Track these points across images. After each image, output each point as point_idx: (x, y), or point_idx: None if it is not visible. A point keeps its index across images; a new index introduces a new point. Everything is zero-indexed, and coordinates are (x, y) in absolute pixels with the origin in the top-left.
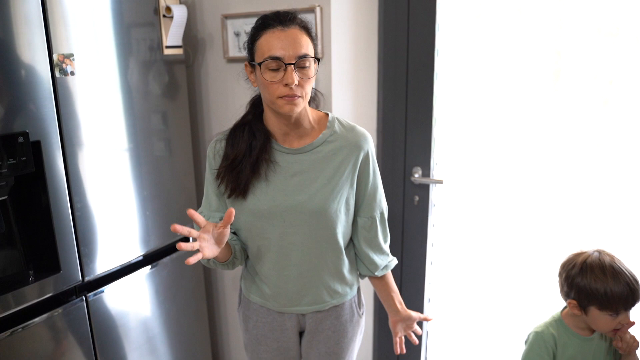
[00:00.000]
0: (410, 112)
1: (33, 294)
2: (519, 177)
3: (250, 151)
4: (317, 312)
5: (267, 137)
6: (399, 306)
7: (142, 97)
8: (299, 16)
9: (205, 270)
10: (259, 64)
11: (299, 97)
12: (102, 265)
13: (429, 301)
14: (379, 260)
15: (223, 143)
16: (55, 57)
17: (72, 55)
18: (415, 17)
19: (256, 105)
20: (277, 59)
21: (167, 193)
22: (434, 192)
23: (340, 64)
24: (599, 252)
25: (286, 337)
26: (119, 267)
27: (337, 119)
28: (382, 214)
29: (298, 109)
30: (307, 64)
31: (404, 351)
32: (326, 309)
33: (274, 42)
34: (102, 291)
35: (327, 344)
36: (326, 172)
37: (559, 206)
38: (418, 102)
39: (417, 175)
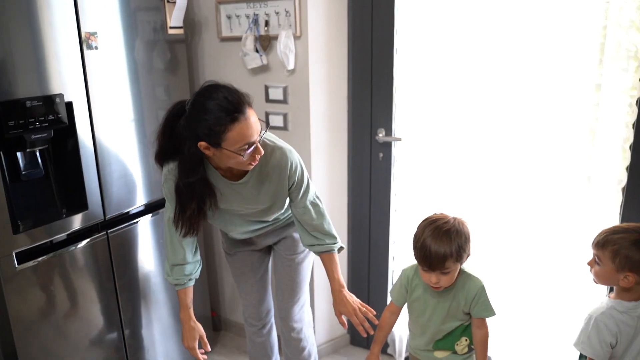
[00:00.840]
0: (375, 82)
1: (65, 227)
2: (465, 134)
3: (200, 200)
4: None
5: (211, 189)
6: (335, 294)
7: (148, 71)
8: (244, 94)
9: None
10: (231, 150)
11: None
12: (118, 207)
13: (394, 243)
14: (311, 239)
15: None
16: (82, 34)
17: (95, 33)
18: (379, 3)
19: (195, 170)
20: (251, 143)
21: None
22: (395, 149)
23: (315, 41)
24: None
25: (257, 247)
26: (132, 210)
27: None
28: (312, 202)
29: None
30: (262, 133)
31: (345, 327)
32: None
33: (245, 132)
34: (119, 229)
35: (286, 250)
36: (264, 189)
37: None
38: (381, 73)
39: (381, 135)
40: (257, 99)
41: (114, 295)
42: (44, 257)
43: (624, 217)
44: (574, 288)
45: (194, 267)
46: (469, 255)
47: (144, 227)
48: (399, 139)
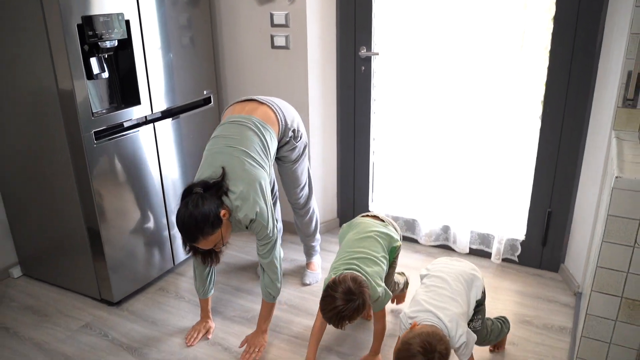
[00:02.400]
0: (357, 8)
1: (121, 117)
2: (431, 51)
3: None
4: None
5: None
6: (256, 331)
7: (173, 4)
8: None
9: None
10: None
11: None
12: (160, 105)
13: (373, 139)
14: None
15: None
16: None
17: None
18: None
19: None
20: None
21: (191, 69)
22: (375, 63)
23: None
24: None
25: None
26: (173, 108)
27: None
28: (269, 263)
29: None
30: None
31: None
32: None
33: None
34: (163, 123)
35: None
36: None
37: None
38: (363, 2)
39: (362, 51)
40: (263, 25)
41: (159, 172)
42: (111, 137)
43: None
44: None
45: (210, 286)
46: (368, 306)
47: (185, 122)
48: (377, 54)
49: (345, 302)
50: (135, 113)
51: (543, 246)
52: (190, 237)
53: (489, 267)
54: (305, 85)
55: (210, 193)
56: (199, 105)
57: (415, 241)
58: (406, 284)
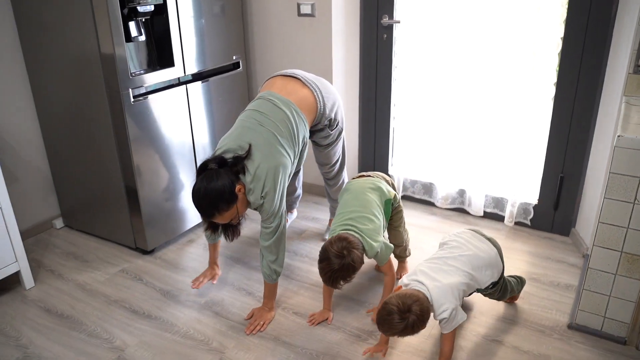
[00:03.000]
0: None
1: (157, 78)
2: (450, 20)
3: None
4: None
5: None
6: (262, 305)
7: None
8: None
9: (250, 85)
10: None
11: None
12: (192, 68)
13: (394, 105)
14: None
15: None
16: None
17: None
18: None
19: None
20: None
21: (222, 35)
22: (396, 31)
23: None
24: None
25: None
26: (203, 72)
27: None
28: (271, 231)
29: None
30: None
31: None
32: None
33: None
34: (194, 85)
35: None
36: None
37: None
38: None
39: (385, 19)
40: None
41: (190, 132)
42: (147, 96)
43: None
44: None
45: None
46: (358, 264)
47: (214, 86)
48: (399, 22)
49: (335, 263)
50: (169, 74)
51: (555, 210)
52: (205, 213)
53: (502, 229)
54: (329, 52)
55: (225, 169)
56: (228, 70)
57: (432, 204)
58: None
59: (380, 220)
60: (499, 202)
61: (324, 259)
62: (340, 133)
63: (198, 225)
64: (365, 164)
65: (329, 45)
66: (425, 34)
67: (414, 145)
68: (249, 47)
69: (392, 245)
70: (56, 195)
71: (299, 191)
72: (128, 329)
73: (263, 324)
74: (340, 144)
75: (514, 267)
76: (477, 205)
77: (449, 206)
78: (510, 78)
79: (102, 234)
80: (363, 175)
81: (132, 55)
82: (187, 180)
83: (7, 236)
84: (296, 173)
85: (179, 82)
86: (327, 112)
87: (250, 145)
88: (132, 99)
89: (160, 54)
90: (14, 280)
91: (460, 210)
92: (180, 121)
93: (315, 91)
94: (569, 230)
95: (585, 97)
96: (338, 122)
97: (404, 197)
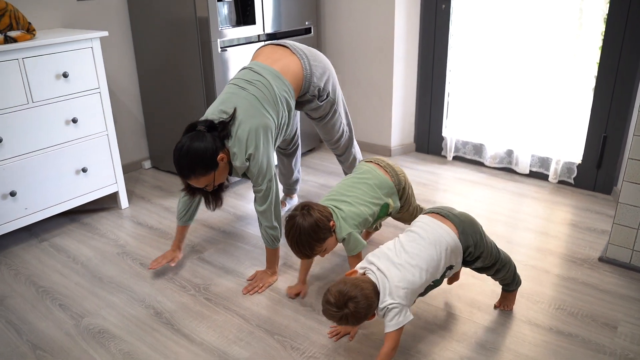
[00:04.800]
0: None
1: (240, 33)
2: None
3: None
4: None
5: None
6: (265, 270)
7: None
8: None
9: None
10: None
11: None
12: (270, 28)
13: (449, 71)
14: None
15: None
16: None
17: None
18: None
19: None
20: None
21: (297, 1)
22: (454, 1)
23: None
24: None
25: None
26: (274, 31)
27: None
28: (263, 194)
29: None
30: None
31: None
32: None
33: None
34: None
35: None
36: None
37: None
38: None
39: None
40: None
41: None
42: (231, 47)
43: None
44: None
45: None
46: (329, 230)
47: None
48: None
49: (297, 222)
50: (250, 31)
51: (598, 169)
52: (182, 172)
53: (546, 186)
54: (392, 20)
55: (213, 134)
56: (300, 34)
57: (481, 164)
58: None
59: (371, 209)
60: (545, 162)
61: (289, 220)
62: (332, 106)
63: None
64: (421, 125)
65: (391, 13)
66: (480, 5)
67: (466, 109)
68: (320, 15)
69: (365, 243)
70: (146, 140)
71: (297, 175)
72: (206, 238)
73: (262, 287)
74: (338, 119)
75: (556, 217)
76: (524, 164)
77: (497, 165)
78: (556, 42)
79: None
80: (372, 162)
81: (221, 12)
82: None
83: (110, 160)
84: (292, 155)
85: (258, 40)
86: (315, 79)
87: (234, 109)
88: (219, 49)
89: (244, 13)
90: (112, 200)
91: (507, 170)
92: None
93: (302, 58)
94: (611, 189)
95: (629, 59)
96: (328, 94)
97: (455, 158)
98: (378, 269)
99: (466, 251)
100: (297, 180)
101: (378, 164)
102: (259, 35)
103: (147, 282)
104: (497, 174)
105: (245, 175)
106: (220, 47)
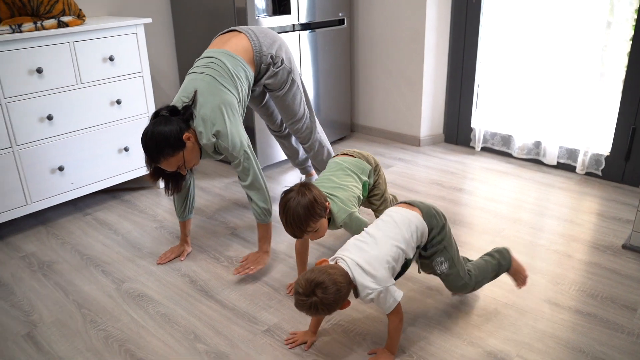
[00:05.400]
0: None
1: (276, 22)
2: None
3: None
4: None
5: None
6: (258, 250)
7: None
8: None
9: (352, 41)
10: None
11: None
12: (304, 18)
13: (479, 63)
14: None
15: None
16: None
17: None
18: None
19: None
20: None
21: None
22: None
23: None
24: None
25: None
26: (308, 21)
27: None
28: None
29: None
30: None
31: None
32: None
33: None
34: (304, 33)
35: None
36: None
37: None
38: None
39: None
40: None
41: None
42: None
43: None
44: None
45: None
46: (324, 209)
47: (320, 36)
48: None
49: (293, 197)
50: (285, 21)
51: (626, 161)
52: (151, 156)
53: (574, 178)
54: (423, 12)
55: (177, 118)
56: (333, 25)
57: (509, 155)
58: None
59: (355, 190)
60: (572, 153)
61: (285, 195)
62: (289, 74)
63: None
64: (450, 116)
65: (423, 7)
66: None
67: (495, 100)
68: (353, 7)
69: (366, 221)
70: None
71: (302, 152)
72: (238, 216)
73: (253, 268)
74: (298, 92)
75: (582, 207)
76: (551, 155)
77: (524, 156)
78: (586, 34)
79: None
80: (346, 154)
81: (257, 2)
82: None
83: None
84: (289, 135)
85: (293, 29)
86: (265, 48)
87: (194, 92)
88: None
89: (280, 2)
90: None
91: (534, 161)
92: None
93: (248, 33)
94: (639, 181)
95: None
96: (282, 60)
97: (484, 149)
98: (349, 257)
99: (431, 233)
100: (307, 158)
101: (344, 154)
102: (293, 25)
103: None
104: (525, 164)
105: (217, 153)
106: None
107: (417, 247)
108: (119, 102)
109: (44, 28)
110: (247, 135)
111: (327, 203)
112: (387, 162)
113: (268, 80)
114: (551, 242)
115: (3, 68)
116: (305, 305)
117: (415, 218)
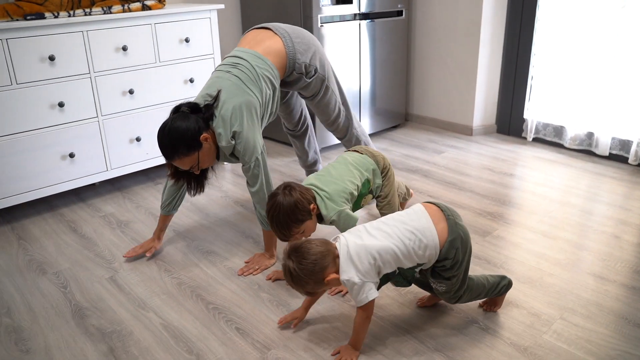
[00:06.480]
0: None
1: (338, 11)
2: None
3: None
4: None
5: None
6: (264, 252)
7: None
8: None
9: (409, 32)
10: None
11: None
12: (365, 8)
13: (534, 55)
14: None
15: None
16: None
17: None
18: None
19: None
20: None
21: None
22: None
23: None
24: None
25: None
26: (368, 11)
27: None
28: (252, 174)
29: None
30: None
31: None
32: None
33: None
34: (364, 22)
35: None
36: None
37: None
38: None
39: None
40: None
41: (358, 61)
42: (330, 23)
43: None
44: None
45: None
46: (308, 212)
47: (379, 26)
48: None
49: (277, 201)
50: (347, 10)
51: None
52: (165, 152)
53: (626, 168)
54: (480, 5)
55: (198, 115)
56: (391, 16)
57: (560, 145)
58: (406, 195)
59: (355, 185)
60: (625, 144)
61: (270, 198)
62: (323, 82)
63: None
64: (503, 107)
65: (479, 4)
66: None
67: (548, 91)
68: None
69: (357, 216)
70: None
71: (314, 155)
72: None
73: (257, 269)
74: (332, 97)
75: (633, 195)
76: (604, 146)
77: (576, 147)
78: (638, 25)
79: (283, 139)
80: (356, 151)
81: None
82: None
83: None
84: (303, 136)
85: (354, 18)
86: (299, 56)
87: (218, 91)
88: (319, 23)
89: None
90: None
91: (586, 152)
92: (352, 49)
93: (284, 36)
94: None
95: None
96: (316, 69)
97: (535, 139)
98: (345, 237)
99: (441, 262)
100: (315, 162)
101: (354, 150)
102: (354, 14)
103: (246, 218)
104: (576, 155)
105: (234, 157)
106: (320, 22)
107: (418, 265)
108: (192, 80)
109: (130, 10)
110: (263, 141)
111: (311, 206)
112: (439, 148)
113: (300, 90)
114: (600, 224)
115: (94, 45)
116: (284, 270)
117: (432, 240)
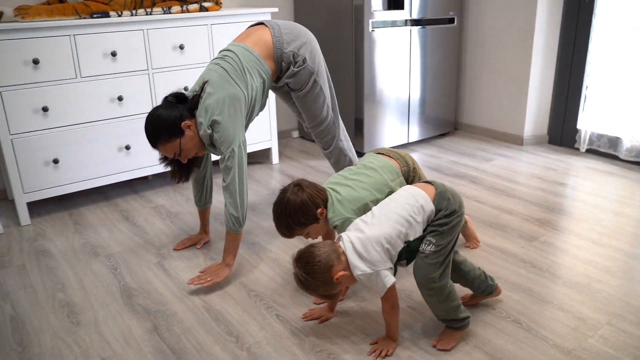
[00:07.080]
0: None
1: (390, 16)
2: None
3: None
4: None
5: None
6: (221, 262)
7: None
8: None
9: (461, 40)
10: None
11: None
12: (417, 14)
13: (589, 64)
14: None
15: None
16: None
17: None
18: None
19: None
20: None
21: None
22: None
23: None
24: None
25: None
26: (420, 18)
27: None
28: (226, 167)
29: None
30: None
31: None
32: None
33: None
34: (415, 28)
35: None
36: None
37: None
38: None
39: None
40: None
41: (408, 65)
42: (380, 28)
43: None
44: None
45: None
46: (313, 216)
47: (430, 33)
48: None
49: (283, 198)
50: (398, 15)
51: None
52: (149, 138)
53: None
54: (534, 13)
55: (183, 105)
56: (443, 23)
57: (615, 157)
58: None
59: (369, 197)
60: None
61: (280, 193)
62: (311, 75)
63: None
64: (555, 117)
65: (534, 7)
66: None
67: (604, 101)
68: (464, 6)
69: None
70: None
71: (350, 156)
72: None
73: (210, 280)
74: (321, 94)
75: None
76: None
77: (633, 158)
78: None
79: None
80: (382, 153)
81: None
82: (400, 101)
83: (268, 120)
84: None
85: (405, 24)
86: (285, 45)
87: (204, 82)
88: (370, 28)
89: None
90: (265, 156)
91: None
92: (402, 55)
93: (273, 27)
94: None
95: None
96: (305, 59)
97: (589, 150)
98: (347, 235)
99: (437, 214)
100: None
101: (386, 155)
102: (406, 20)
103: None
104: (633, 167)
105: (213, 147)
106: (371, 27)
107: (423, 233)
108: None
109: (188, 11)
110: (243, 136)
111: (319, 210)
112: (488, 156)
113: (288, 80)
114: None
115: (154, 43)
116: (294, 278)
117: (422, 198)
